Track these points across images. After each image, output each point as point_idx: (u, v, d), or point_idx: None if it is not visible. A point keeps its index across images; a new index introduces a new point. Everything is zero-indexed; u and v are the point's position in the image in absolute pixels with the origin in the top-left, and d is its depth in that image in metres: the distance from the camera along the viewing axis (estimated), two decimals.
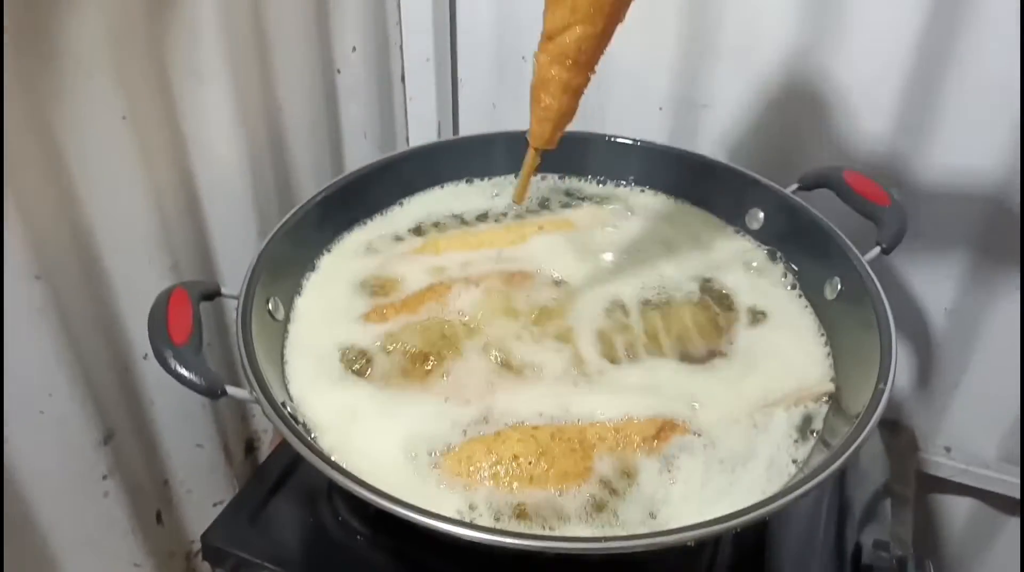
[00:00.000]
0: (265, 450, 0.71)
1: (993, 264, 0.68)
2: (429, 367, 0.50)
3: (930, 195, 0.67)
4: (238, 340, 0.46)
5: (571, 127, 0.56)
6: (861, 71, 0.64)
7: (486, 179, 0.68)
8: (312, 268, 0.58)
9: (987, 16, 0.59)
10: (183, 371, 0.42)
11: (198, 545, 0.57)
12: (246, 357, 0.44)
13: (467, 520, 0.42)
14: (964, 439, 0.78)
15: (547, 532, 0.42)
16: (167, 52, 0.52)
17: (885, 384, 0.44)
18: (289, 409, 0.45)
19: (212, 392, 0.42)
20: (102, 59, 0.46)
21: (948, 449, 0.79)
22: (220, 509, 0.54)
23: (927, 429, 0.79)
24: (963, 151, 0.64)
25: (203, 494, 0.64)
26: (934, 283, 0.72)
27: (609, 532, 0.42)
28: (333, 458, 0.42)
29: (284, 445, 0.63)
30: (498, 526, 0.42)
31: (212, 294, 0.49)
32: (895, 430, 0.78)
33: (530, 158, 0.49)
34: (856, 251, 0.54)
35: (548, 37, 0.43)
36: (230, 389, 0.42)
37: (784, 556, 0.53)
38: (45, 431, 0.48)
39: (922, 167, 0.66)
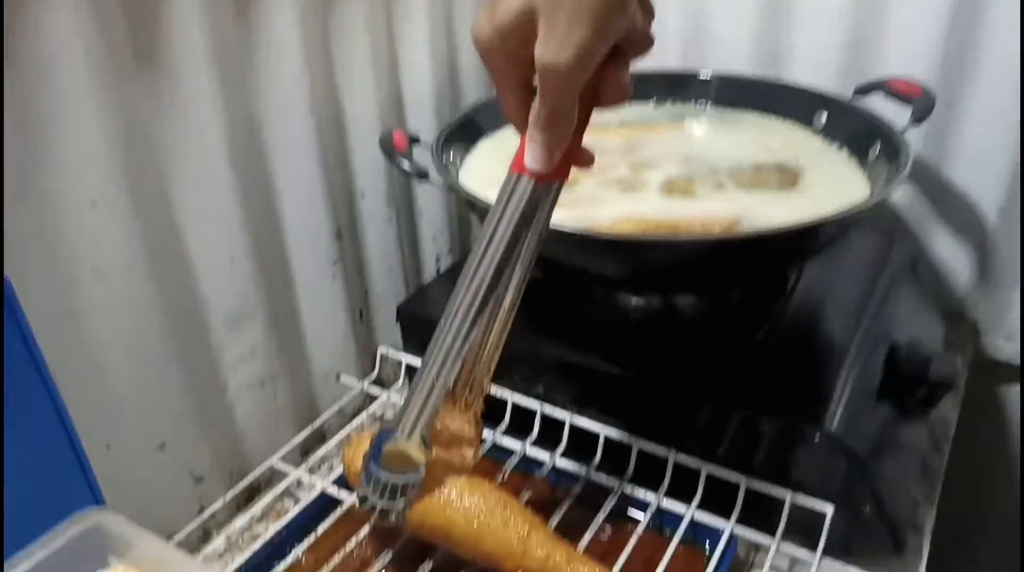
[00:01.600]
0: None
1: None
2: None
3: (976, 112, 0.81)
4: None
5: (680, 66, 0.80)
6: None
7: None
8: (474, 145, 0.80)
9: None
10: (403, 160, 0.67)
11: (383, 350, 0.78)
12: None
13: None
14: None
15: None
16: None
17: (897, 175, 0.60)
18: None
19: (421, 174, 0.66)
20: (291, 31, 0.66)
21: (1008, 338, 0.89)
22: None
23: (989, 322, 0.89)
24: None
25: (389, 310, 0.83)
26: (986, 184, 0.84)
27: None
28: None
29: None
30: None
31: (415, 139, 0.73)
32: (959, 321, 0.89)
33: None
34: (891, 122, 0.70)
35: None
36: (432, 176, 0.66)
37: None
38: (308, 225, 0.71)
39: (970, 88, 0.80)
